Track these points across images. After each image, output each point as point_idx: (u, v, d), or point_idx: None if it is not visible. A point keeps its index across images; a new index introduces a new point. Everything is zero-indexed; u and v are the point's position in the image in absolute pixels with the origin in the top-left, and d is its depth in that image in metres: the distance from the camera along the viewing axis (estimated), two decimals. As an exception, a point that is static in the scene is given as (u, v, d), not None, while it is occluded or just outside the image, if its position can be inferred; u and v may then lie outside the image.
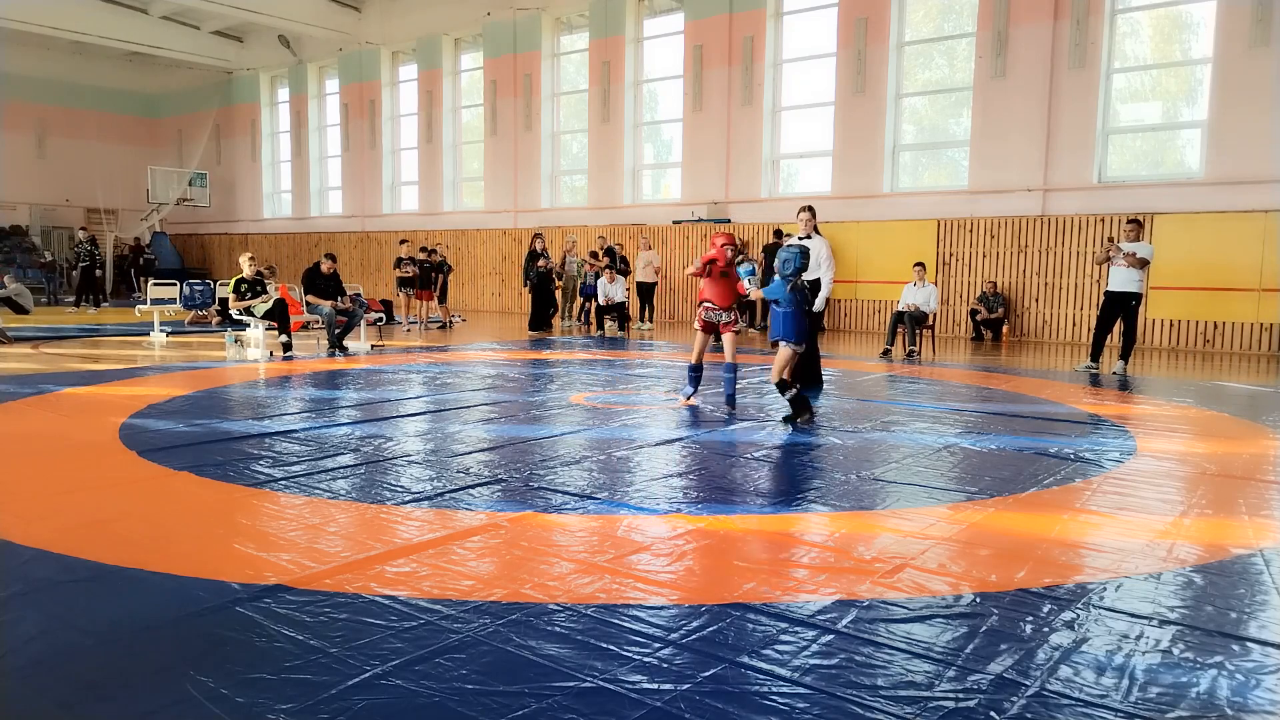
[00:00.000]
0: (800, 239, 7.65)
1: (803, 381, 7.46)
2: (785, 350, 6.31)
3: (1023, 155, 14.00)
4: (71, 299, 18.76)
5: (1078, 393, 8.21)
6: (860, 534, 3.83)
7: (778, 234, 15.66)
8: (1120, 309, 9.74)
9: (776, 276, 6.34)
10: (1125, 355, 9.84)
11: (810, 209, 7.85)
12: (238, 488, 4.41)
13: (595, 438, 5.90)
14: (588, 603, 2.95)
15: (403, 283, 15.43)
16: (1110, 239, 9.77)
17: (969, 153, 14.82)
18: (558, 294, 16.38)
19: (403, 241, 16.28)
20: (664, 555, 3.48)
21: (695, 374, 7.25)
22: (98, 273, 19.38)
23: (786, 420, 6.31)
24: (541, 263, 15.39)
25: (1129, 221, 9.95)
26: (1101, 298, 10.05)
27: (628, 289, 15.55)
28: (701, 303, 7.14)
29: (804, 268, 6.35)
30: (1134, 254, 9.54)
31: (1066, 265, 13.74)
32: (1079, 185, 13.67)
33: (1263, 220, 12.07)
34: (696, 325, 7.17)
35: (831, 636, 2.71)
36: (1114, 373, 9.61)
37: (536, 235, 16.18)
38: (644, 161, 19.41)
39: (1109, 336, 9.96)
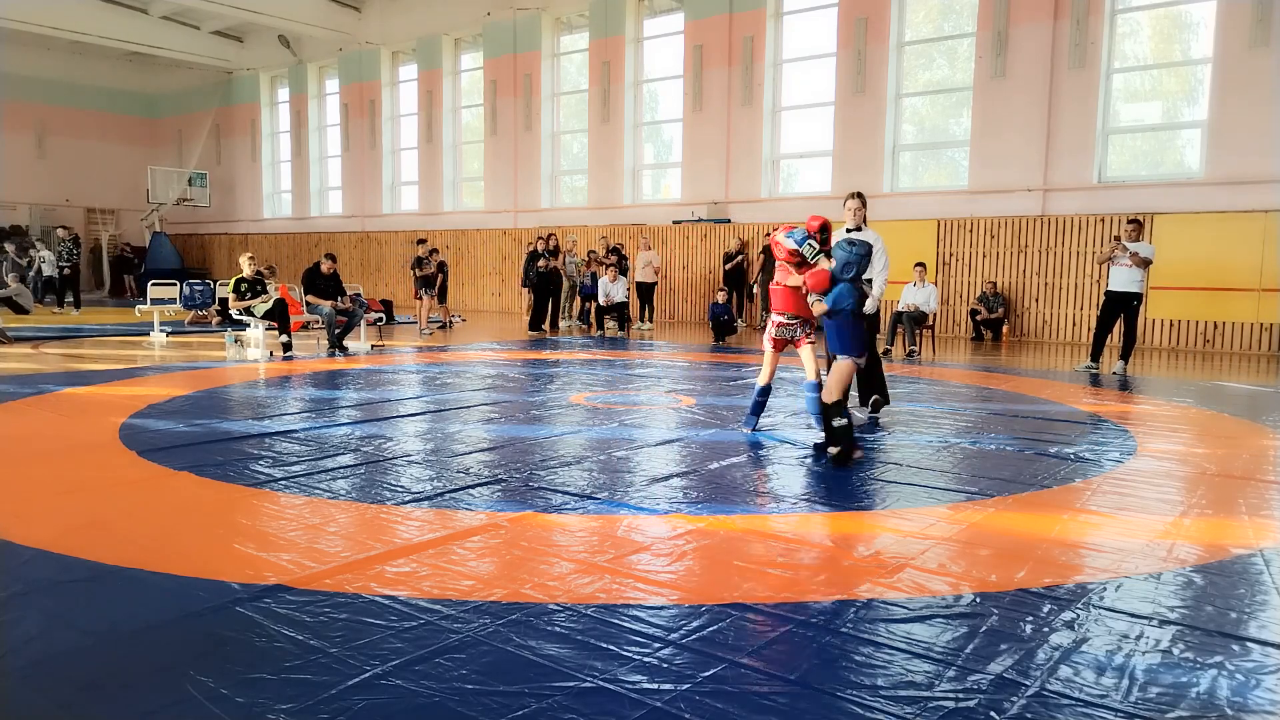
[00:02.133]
0: (849, 231, 6.45)
1: (876, 393, 6.70)
2: (845, 364, 5.30)
3: (1023, 155, 14.01)
4: (72, 299, 18.63)
5: (1078, 393, 8.21)
6: (860, 534, 3.83)
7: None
8: (1121, 309, 9.72)
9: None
10: (1125, 355, 9.83)
11: (860, 196, 6.57)
12: (238, 488, 4.41)
13: (595, 438, 5.90)
14: (588, 603, 2.95)
15: (424, 283, 14.98)
16: (1116, 238, 9.75)
17: (969, 153, 14.82)
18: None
19: (420, 241, 15.84)
20: (664, 555, 3.47)
21: (763, 400, 6.07)
22: (66, 272, 18.83)
23: (819, 449, 5.40)
24: (542, 263, 15.39)
25: (1129, 222, 9.92)
26: (1102, 298, 10.03)
27: (629, 288, 15.53)
28: (770, 314, 6.00)
29: (865, 269, 5.34)
30: (1137, 254, 9.51)
31: (1066, 265, 13.74)
32: (1079, 185, 13.68)
33: (1263, 220, 12.07)
34: (767, 344, 5.96)
35: (831, 636, 2.71)
36: (1114, 373, 9.60)
37: (550, 235, 16.14)
38: (644, 161, 19.41)
39: (1109, 336, 9.96)
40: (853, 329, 5.30)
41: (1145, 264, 9.58)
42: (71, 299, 18.58)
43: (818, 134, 16.57)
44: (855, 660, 2.55)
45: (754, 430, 6.06)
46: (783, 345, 5.93)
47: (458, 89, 22.62)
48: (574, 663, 2.50)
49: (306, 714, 2.20)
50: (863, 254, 5.23)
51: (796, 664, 2.52)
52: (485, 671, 2.44)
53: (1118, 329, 9.83)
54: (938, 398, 7.82)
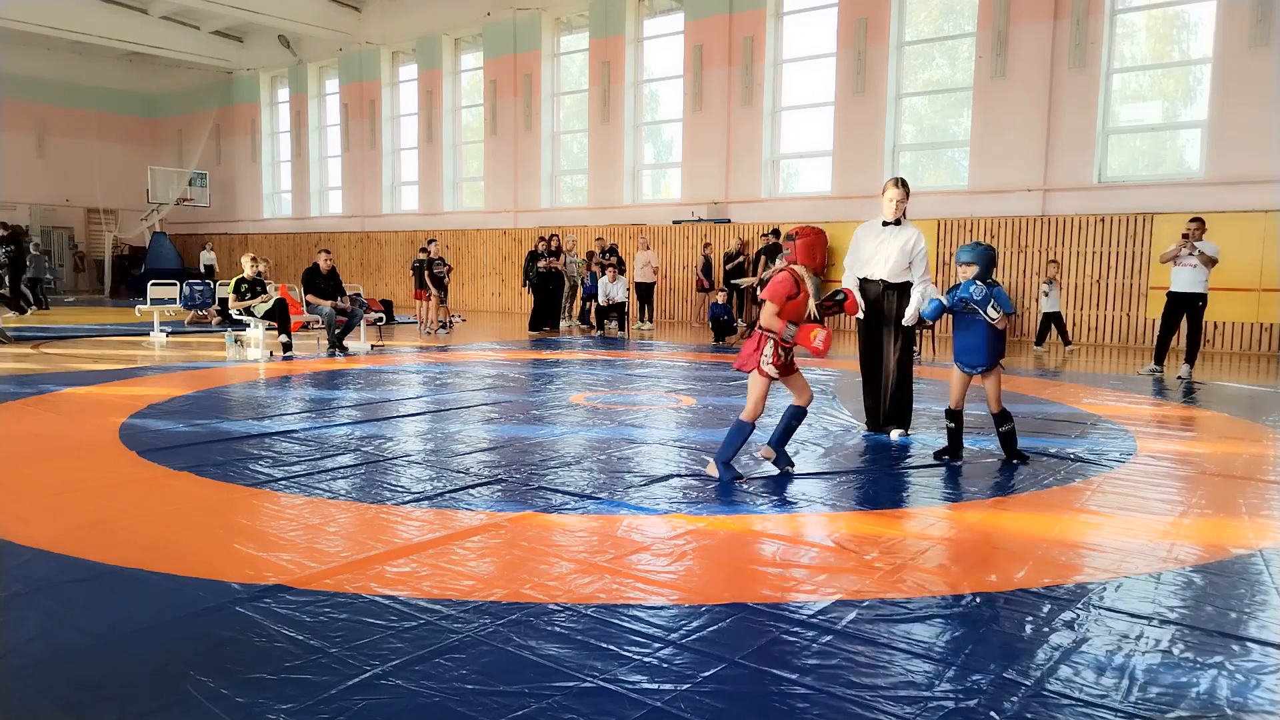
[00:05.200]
0: (885, 225, 5.78)
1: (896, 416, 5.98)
2: (996, 377, 5.15)
3: (1023, 155, 14.01)
4: (72, 299, 18.56)
5: (1077, 392, 8.21)
6: (860, 534, 3.82)
7: (774, 234, 15.66)
8: (1185, 310, 9.42)
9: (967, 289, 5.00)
10: (1191, 359, 9.49)
11: (903, 184, 5.68)
12: (238, 488, 4.40)
13: (595, 438, 5.90)
14: (588, 603, 2.95)
15: (438, 283, 14.88)
16: (1185, 236, 9.42)
17: (969, 153, 14.82)
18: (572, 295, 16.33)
19: (431, 241, 15.56)
20: (664, 555, 3.47)
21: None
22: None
23: (1016, 461, 5.17)
24: (543, 263, 15.39)
25: (1192, 220, 9.59)
26: (1164, 299, 9.65)
27: (628, 288, 15.53)
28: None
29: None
30: (1204, 252, 9.23)
31: (1066, 265, 13.73)
32: (1079, 185, 13.67)
33: (1263, 220, 12.07)
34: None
35: (831, 636, 2.71)
36: (1179, 377, 9.30)
37: (553, 236, 16.13)
38: (644, 161, 19.41)
39: (1173, 338, 9.68)
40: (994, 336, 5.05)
41: (1211, 263, 9.27)
42: (73, 298, 18.57)
43: (818, 134, 16.57)
44: (855, 660, 2.55)
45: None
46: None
47: (458, 89, 22.62)
48: (574, 663, 2.50)
49: (306, 714, 2.20)
50: (989, 250, 5.01)
51: (796, 664, 2.52)
52: (485, 671, 2.44)
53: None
54: (938, 398, 7.81)
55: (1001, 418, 5.15)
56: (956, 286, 5.05)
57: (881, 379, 6.02)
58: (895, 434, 5.98)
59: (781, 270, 4.62)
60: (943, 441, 5.37)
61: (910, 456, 5.39)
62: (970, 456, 5.35)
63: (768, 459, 4.94)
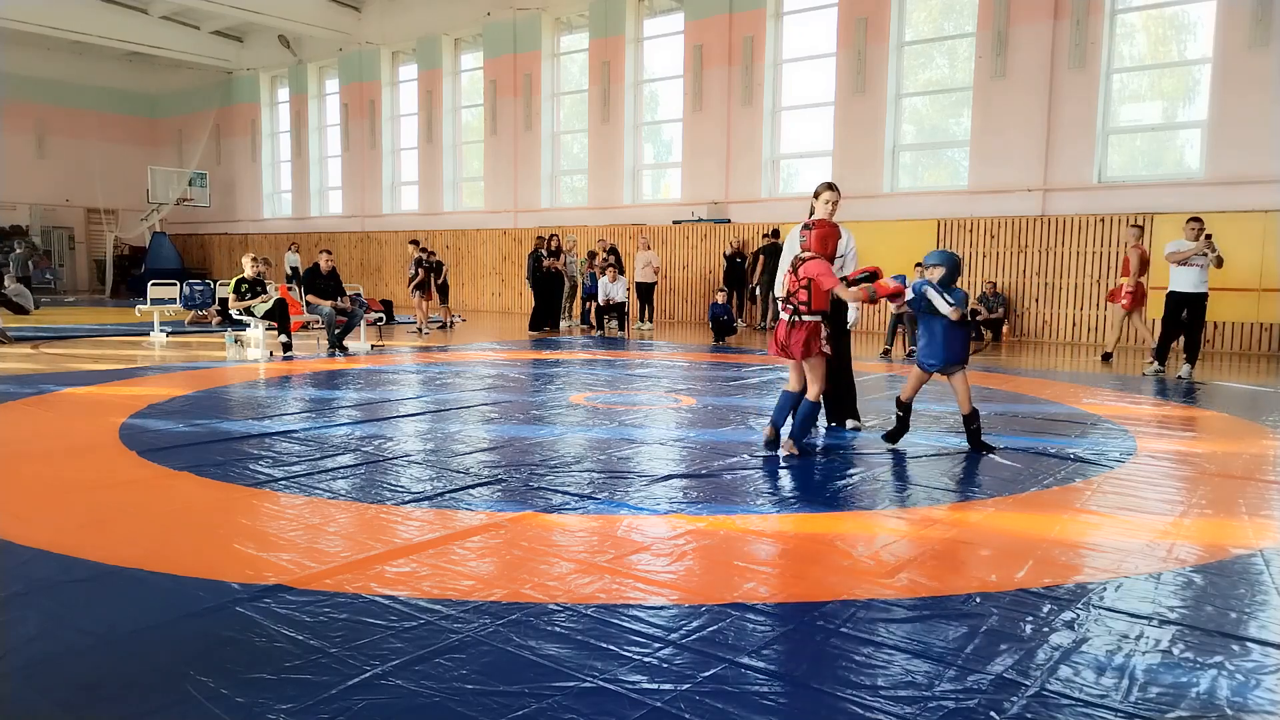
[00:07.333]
0: None
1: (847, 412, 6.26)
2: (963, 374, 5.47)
3: (1023, 155, 14.01)
4: (72, 299, 18.57)
5: (1077, 392, 8.21)
6: (860, 534, 3.83)
7: (774, 234, 15.67)
8: (1187, 309, 9.42)
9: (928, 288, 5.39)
10: (1191, 359, 9.50)
11: (834, 187, 5.66)
12: (238, 488, 4.40)
13: (595, 438, 5.90)
14: (588, 603, 2.95)
15: (421, 286, 14.94)
16: (1208, 236, 9.41)
17: (969, 152, 14.82)
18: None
19: (413, 242, 15.68)
20: (664, 555, 3.47)
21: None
22: None
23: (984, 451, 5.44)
24: (546, 263, 15.38)
25: (1194, 220, 9.56)
26: (1165, 300, 9.59)
27: (628, 288, 15.53)
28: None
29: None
30: (1219, 254, 9.26)
31: (1066, 265, 13.74)
32: (1079, 185, 13.68)
33: (1263, 220, 12.07)
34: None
35: (831, 636, 2.71)
36: (1179, 377, 9.30)
37: (553, 235, 16.17)
38: (644, 161, 19.42)
39: (1175, 338, 9.64)
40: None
41: (1219, 264, 9.34)
42: (72, 298, 18.57)
43: (818, 134, 16.57)
44: (855, 660, 2.55)
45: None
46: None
47: (458, 89, 22.63)
48: (574, 663, 2.50)
49: (306, 714, 2.20)
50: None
51: (796, 664, 2.52)
52: (485, 671, 2.44)
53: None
54: (938, 397, 7.81)
55: (970, 418, 5.42)
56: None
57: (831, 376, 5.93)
58: (849, 424, 6.23)
59: (810, 260, 5.15)
60: (944, 441, 5.38)
61: (910, 456, 5.38)
62: (972, 457, 5.35)
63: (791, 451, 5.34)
